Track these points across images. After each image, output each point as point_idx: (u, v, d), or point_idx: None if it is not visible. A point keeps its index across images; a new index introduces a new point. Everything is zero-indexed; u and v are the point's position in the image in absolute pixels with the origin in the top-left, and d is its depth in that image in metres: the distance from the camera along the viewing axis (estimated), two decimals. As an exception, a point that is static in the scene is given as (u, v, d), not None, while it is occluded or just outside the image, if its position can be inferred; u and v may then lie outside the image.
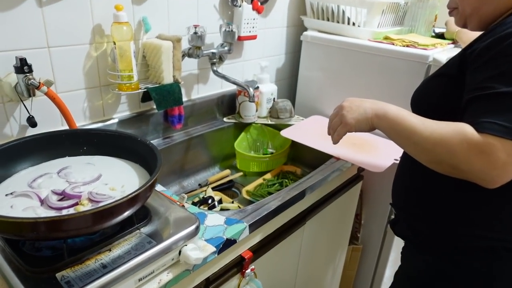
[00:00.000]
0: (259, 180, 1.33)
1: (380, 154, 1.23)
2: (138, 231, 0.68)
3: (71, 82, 0.97)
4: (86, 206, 0.64)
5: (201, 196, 1.19)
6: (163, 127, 1.24)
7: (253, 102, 1.17)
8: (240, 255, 0.88)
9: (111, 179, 0.72)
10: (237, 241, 0.82)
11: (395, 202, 0.95)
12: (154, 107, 1.11)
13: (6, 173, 0.71)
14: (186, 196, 0.84)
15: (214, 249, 0.75)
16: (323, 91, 1.52)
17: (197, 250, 0.70)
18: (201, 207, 1.12)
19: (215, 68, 1.24)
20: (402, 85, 1.28)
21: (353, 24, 1.41)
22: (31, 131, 0.93)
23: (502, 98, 0.60)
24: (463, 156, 0.62)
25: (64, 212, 0.62)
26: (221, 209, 1.10)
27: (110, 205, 0.57)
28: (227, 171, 1.39)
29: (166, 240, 0.66)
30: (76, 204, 0.64)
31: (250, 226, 0.85)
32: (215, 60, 1.23)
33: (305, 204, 1.08)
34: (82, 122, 1.03)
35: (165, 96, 1.07)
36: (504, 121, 0.59)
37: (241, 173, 1.38)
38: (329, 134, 0.89)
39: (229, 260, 0.85)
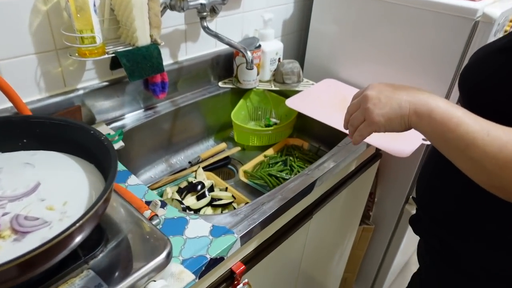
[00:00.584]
0: (260, 157, 1.14)
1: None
2: (85, 265, 0.51)
3: (14, 46, 0.75)
4: (6, 240, 0.46)
5: (190, 179, 1.02)
6: (143, 97, 1.03)
7: (251, 69, 0.94)
8: (230, 269, 0.72)
9: (51, 191, 0.54)
10: (225, 258, 0.65)
11: (420, 203, 0.76)
12: (130, 73, 0.89)
13: None
14: (159, 202, 0.66)
15: (192, 277, 0.59)
16: (338, 49, 1.27)
17: (167, 288, 0.53)
18: (188, 195, 0.95)
19: (205, 24, 0.99)
20: (437, 49, 1.03)
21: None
22: (-35, 112, 0.74)
23: None
24: None
25: (-25, 250, 0.45)
26: (212, 199, 0.93)
27: (31, 255, 0.39)
28: (223, 145, 1.20)
29: (123, 282, 0.49)
30: (-7, 236, 0.46)
31: (242, 237, 0.67)
32: (205, 13, 0.98)
33: (313, 197, 0.89)
34: (36, 96, 0.83)
35: (140, 63, 0.85)
36: None
37: (238, 148, 1.18)
38: (345, 128, 0.67)
39: (215, 278, 0.69)
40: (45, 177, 0.56)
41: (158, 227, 0.63)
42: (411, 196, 0.80)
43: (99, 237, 0.54)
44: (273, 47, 1.20)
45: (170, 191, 0.96)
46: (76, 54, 0.81)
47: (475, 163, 0.47)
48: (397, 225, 1.35)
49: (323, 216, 1.00)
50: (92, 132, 0.59)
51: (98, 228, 0.55)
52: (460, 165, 0.50)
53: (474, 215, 0.63)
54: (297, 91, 1.20)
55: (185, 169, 1.08)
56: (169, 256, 0.55)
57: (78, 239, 0.45)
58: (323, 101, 1.15)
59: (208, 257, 0.62)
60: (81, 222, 0.44)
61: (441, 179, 0.68)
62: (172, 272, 0.57)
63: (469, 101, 0.60)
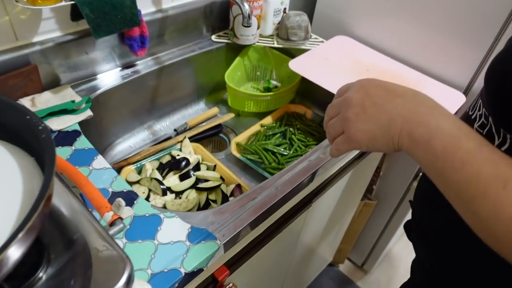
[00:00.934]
0: (256, 126, 1.00)
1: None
2: (18, 298, 0.39)
3: None
4: None
5: (174, 152, 0.89)
6: (119, 53, 0.86)
7: (248, 26, 0.76)
8: (212, 274, 0.61)
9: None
10: (205, 269, 0.54)
11: (416, 217, 0.63)
12: (99, 25, 0.72)
13: None
14: (123, 202, 0.53)
15: (161, 300, 0.48)
16: (353, 0, 1.07)
17: (125, 324, 0.42)
18: (170, 173, 0.83)
19: (193, -37, 0.80)
20: (479, 5, 0.84)
21: None
22: None
23: None
24: None
25: None
26: (197, 180, 0.80)
27: None
28: (214, 110, 1.05)
29: (66, 322, 0.38)
30: None
31: (226, 244, 0.56)
32: (193, -51, 0.78)
33: (314, 185, 0.77)
34: (-21, 52, 0.67)
35: (108, 14, 0.68)
36: None
37: (232, 114, 1.04)
38: (325, 129, 0.51)
39: (195, 284, 0.59)
40: (-33, 176, 0.43)
41: (121, 233, 0.51)
42: (409, 200, 0.70)
43: (38, 259, 0.42)
44: (277, -6, 1.01)
45: (150, 167, 0.83)
46: (25, 0, 0.63)
47: (480, 221, 0.34)
48: (401, 202, 1.25)
49: (323, 202, 0.88)
50: (28, 117, 0.44)
51: (37, 243, 0.43)
52: (461, 215, 0.37)
53: (465, 243, 0.51)
54: (304, 50, 1.03)
55: (170, 137, 0.95)
56: (129, 282, 0.43)
57: (4, 271, 0.33)
58: (332, 64, 0.98)
59: (183, 271, 0.51)
60: (3, 253, 0.31)
61: (435, 197, 0.55)
62: (135, 295, 0.47)
63: (494, 98, 0.44)
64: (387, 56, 1.03)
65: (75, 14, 0.70)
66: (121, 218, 0.51)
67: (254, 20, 0.96)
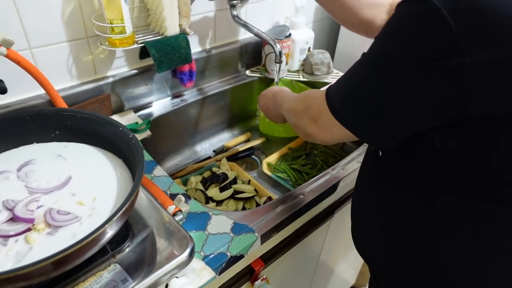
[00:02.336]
0: (284, 149, 1.13)
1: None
2: (112, 259, 0.53)
3: (48, 34, 0.77)
4: (41, 233, 0.48)
5: (213, 169, 1.03)
6: (171, 84, 1.03)
7: (280, 63, 0.92)
8: (249, 265, 0.73)
9: (81, 185, 0.56)
10: (245, 256, 0.66)
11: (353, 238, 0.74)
12: (159, 62, 0.89)
13: (-47, 170, 0.56)
14: (183, 198, 0.67)
15: (213, 274, 0.60)
16: (372, 40, 1.22)
17: (189, 285, 0.54)
18: (212, 186, 0.96)
19: (235, 13, 0.97)
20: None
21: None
22: (3, 98, 0.76)
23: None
24: None
25: (11, 241, 0.47)
26: (234, 191, 0.93)
27: (67, 252, 0.41)
28: (247, 135, 1.20)
29: (148, 277, 0.51)
30: (28, 230, 0.48)
31: (262, 236, 0.68)
32: (235, 1, 0.96)
33: (336, 196, 0.89)
34: (68, 83, 0.85)
35: (168, 53, 0.85)
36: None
37: (263, 138, 1.18)
38: None
39: (234, 272, 0.71)
40: (76, 171, 0.58)
41: (181, 222, 0.64)
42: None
43: (126, 232, 0.56)
44: (303, 36, 1.17)
45: (194, 181, 0.97)
46: (106, 43, 0.81)
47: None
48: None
49: (345, 213, 0.99)
50: (120, 128, 0.59)
51: (126, 223, 0.57)
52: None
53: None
54: (326, 83, 1.17)
55: (209, 157, 1.10)
56: (191, 254, 0.56)
57: (108, 236, 0.47)
58: (352, 95, 1.12)
59: (229, 254, 0.63)
60: (111, 221, 0.45)
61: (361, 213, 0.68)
62: (193, 268, 0.59)
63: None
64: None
65: (143, 54, 0.88)
66: (180, 211, 0.65)
67: (283, 58, 1.13)
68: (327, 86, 0.56)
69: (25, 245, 0.47)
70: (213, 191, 0.94)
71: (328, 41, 1.43)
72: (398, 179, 0.56)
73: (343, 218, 1.00)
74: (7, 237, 0.47)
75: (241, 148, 1.13)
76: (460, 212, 0.50)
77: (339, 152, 1.14)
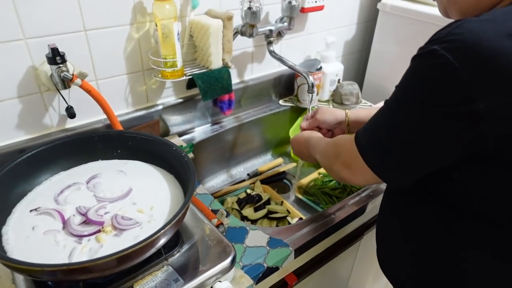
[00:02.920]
0: (314, 174, 1.19)
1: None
2: (165, 262, 0.60)
3: (111, 68, 0.89)
4: (108, 234, 0.57)
5: (248, 190, 1.10)
6: (211, 112, 1.13)
7: (312, 93, 1.00)
8: (283, 278, 0.78)
9: (140, 197, 0.64)
10: (280, 268, 0.72)
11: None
12: (202, 91, 1.00)
13: (35, 181, 0.66)
14: (225, 212, 0.75)
15: (251, 282, 0.66)
16: (399, 70, 1.27)
17: (231, 289, 0.61)
18: (247, 206, 1.03)
19: (271, 49, 1.08)
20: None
21: (447, -9, 1.13)
22: (70, 122, 0.88)
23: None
24: None
25: (84, 240, 0.56)
26: (268, 211, 1.00)
27: (133, 249, 0.49)
28: (279, 160, 1.27)
29: (196, 278, 0.58)
30: (98, 231, 0.57)
31: (296, 251, 0.74)
32: (272, 38, 1.06)
33: (366, 217, 0.93)
34: (124, 110, 0.96)
35: (212, 84, 0.95)
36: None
37: (294, 164, 1.25)
38: None
39: (269, 285, 0.76)
40: (135, 184, 0.67)
41: (223, 234, 0.71)
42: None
43: (177, 239, 0.63)
44: (333, 68, 1.26)
45: (230, 201, 1.05)
46: (160, 76, 0.93)
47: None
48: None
49: (373, 237, 1.02)
50: (174, 148, 0.69)
51: (176, 231, 0.64)
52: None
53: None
54: (355, 112, 1.24)
55: (243, 180, 1.17)
56: (233, 262, 0.62)
57: (164, 239, 0.55)
58: (380, 124, 1.17)
59: (265, 265, 0.69)
60: (168, 226, 0.53)
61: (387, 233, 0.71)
62: (234, 276, 0.65)
63: None
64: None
65: (190, 84, 0.99)
66: (222, 224, 0.72)
67: (315, 88, 1.21)
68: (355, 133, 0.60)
69: (96, 243, 0.55)
70: (248, 211, 1.00)
71: (357, 73, 1.51)
72: (418, 205, 0.60)
73: (372, 242, 1.03)
74: (82, 236, 0.56)
75: (274, 172, 1.20)
76: (480, 238, 0.53)
77: (368, 178, 1.18)
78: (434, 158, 0.50)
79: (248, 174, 1.20)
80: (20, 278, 0.57)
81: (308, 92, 1.01)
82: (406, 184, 0.56)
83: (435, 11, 1.13)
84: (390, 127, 0.52)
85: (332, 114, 0.92)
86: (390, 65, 1.31)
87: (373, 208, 0.89)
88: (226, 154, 1.20)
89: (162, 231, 0.52)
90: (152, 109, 0.99)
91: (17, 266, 0.46)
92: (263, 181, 1.16)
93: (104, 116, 0.91)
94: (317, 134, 0.84)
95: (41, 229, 0.57)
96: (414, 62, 0.49)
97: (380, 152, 0.53)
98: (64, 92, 0.82)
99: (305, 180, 1.16)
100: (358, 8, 1.35)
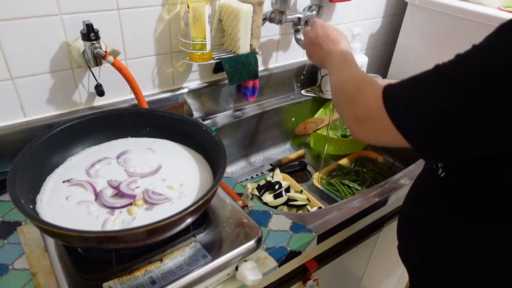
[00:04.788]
0: (334, 165, 1.19)
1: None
2: (193, 238, 0.61)
3: (141, 48, 0.89)
4: (140, 208, 0.57)
5: (268, 178, 1.10)
6: (234, 98, 1.13)
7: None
8: (303, 264, 0.78)
9: (170, 174, 0.65)
10: (302, 253, 0.72)
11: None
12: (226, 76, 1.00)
13: (67, 153, 0.67)
14: (250, 195, 0.75)
15: (275, 264, 0.66)
16: (424, 66, 1.25)
17: (256, 269, 0.61)
18: (266, 193, 1.03)
19: (298, 37, 1.07)
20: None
21: (480, -15, 1.11)
22: (98, 101, 0.89)
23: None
24: None
25: (117, 212, 0.57)
26: (288, 199, 1.00)
27: (164, 222, 0.49)
28: (302, 151, 1.27)
29: (223, 256, 0.59)
30: (130, 204, 0.58)
31: (319, 237, 0.74)
32: (300, 26, 1.05)
33: (386, 209, 0.93)
34: (150, 91, 0.97)
35: (239, 69, 0.95)
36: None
37: (314, 154, 1.25)
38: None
39: (290, 269, 0.77)
40: (164, 162, 0.68)
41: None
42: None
43: (204, 217, 0.64)
44: (358, 60, 1.22)
45: (250, 187, 1.05)
46: (188, 58, 0.93)
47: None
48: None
49: (392, 230, 1.02)
50: (204, 128, 0.69)
51: (204, 210, 0.65)
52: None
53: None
54: (377, 105, 1.23)
55: (262, 166, 1.18)
56: (259, 242, 0.63)
57: (194, 216, 0.55)
58: (404, 118, 1.16)
59: (289, 249, 0.69)
60: (200, 203, 0.53)
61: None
62: (258, 256, 0.66)
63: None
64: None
65: (216, 69, 0.99)
66: (247, 206, 0.73)
67: (338, 79, 1.20)
68: (383, 86, 0.52)
69: (128, 216, 0.56)
70: (268, 198, 1.01)
71: (380, 66, 1.50)
72: (456, 203, 0.57)
73: (389, 234, 1.03)
74: (114, 208, 0.57)
75: (293, 161, 1.20)
76: None
77: (388, 171, 1.18)
78: (482, 139, 0.45)
79: (270, 164, 1.20)
80: (52, 246, 0.59)
81: (335, 81, 1.00)
82: (440, 161, 0.52)
83: (468, 5, 1.11)
84: (442, 97, 0.45)
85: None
86: (416, 61, 1.29)
87: (396, 200, 0.89)
88: (246, 141, 1.20)
89: (193, 207, 0.53)
90: (177, 92, 1.00)
91: (56, 231, 0.47)
92: (282, 170, 1.16)
93: (130, 97, 0.92)
94: (349, 55, 0.72)
95: (74, 199, 0.58)
96: (500, 32, 0.43)
97: (419, 121, 0.47)
98: (95, 70, 0.83)
99: (324, 171, 1.16)
100: (385, 0, 1.34)
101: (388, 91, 0.51)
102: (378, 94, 0.51)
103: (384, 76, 1.40)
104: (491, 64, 0.42)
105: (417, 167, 0.96)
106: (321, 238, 0.74)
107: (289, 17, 1.02)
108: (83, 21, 0.74)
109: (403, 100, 0.49)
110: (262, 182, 1.09)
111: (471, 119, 0.43)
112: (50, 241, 0.59)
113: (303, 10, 1.10)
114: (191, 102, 1.04)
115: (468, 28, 1.11)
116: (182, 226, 0.54)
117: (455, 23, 1.14)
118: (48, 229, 0.47)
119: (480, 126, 0.43)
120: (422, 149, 0.49)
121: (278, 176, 1.12)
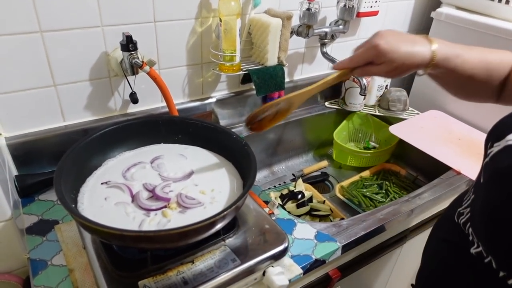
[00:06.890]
0: (355, 177, 1.20)
1: None
2: (223, 242, 0.63)
3: (174, 58, 0.93)
4: (174, 211, 0.60)
5: (290, 187, 1.12)
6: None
7: (365, 95, 1.01)
8: (327, 273, 0.79)
9: (202, 179, 0.68)
10: (327, 261, 0.73)
11: None
12: (253, 87, 1.02)
13: (104, 157, 0.71)
14: (277, 203, 0.77)
15: (300, 271, 0.68)
16: None
17: (283, 275, 0.63)
18: (289, 202, 1.05)
19: (324, 50, 1.10)
20: None
21: (506, 1, 1.11)
22: (131, 108, 0.94)
23: None
24: None
25: (152, 214, 0.59)
26: (311, 209, 1.01)
27: (199, 225, 0.52)
28: (325, 163, 1.28)
29: (251, 260, 0.60)
30: (165, 207, 0.61)
31: (343, 246, 0.75)
32: (326, 40, 1.08)
33: (408, 223, 0.93)
34: (180, 100, 1.00)
35: (267, 80, 0.98)
36: None
37: (336, 166, 1.26)
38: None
39: (314, 277, 0.78)
40: (196, 167, 0.70)
41: (274, 223, 0.73)
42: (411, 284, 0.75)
43: (234, 222, 0.66)
44: (382, 74, 1.26)
45: (273, 196, 1.07)
46: (217, 69, 0.96)
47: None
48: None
49: (415, 244, 1.02)
50: (234, 136, 0.72)
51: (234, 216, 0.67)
52: None
53: None
54: (401, 119, 1.23)
55: (284, 175, 1.19)
56: (286, 249, 0.65)
57: (225, 221, 0.58)
58: (427, 132, 1.16)
59: (313, 257, 0.71)
60: (231, 208, 0.55)
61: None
62: (284, 263, 0.67)
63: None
64: (477, 129, 1.19)
65: (244, 79, 1.03)
66: (273, 213, 0.74)
67: (366, 91, 1.22)
68: None
69: (163, 218, 0.59)
70: (291, 207, 1.02)
71: (403, 80, 1.50)
72: None
73: (412, 248, 1.03)
74: (150, 210, 0.60)
75: (317, 172, 1.21)
76: None
77: (411, 185, 1.17)
78: None
79: (293, 174, 1.22)
80: (90, 244, 0.62)
81: (361, 94, 1.02)
82: None
83: (494, 21, 1.11)
84: None
85: (408, 40, 0.58)
86: (440, 75, 1.30)
87: (419, 213, 0.89)
88: (269, 151, 1.22)
89: (225, 212, 0.55)
90: (206, 101, 1.03)
91: (100, 229, 0.50)
92: (304, 180, 1.18)
93: (161, 105, 0.96)
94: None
95: (112, 200, 0.61)
96: None
97: None
98: (130, 79, 0.88)
99: (346, 183, 1.17)
100: (410, 15, 1.35)
101: None
102: None
103: (408, 90, 1.41)
104: None
105: (441, 181, 0.96)
106: (346, 248, 0.75)
107: (316, 31, 1.05)
108: (123, 33, 0.79)
109: None
110: (285, 191, 1.10)
111: None
112: (88, 240, 0.62)
113: (330, 25, 1.12)
114: (218, 111, 1.07)
115: (494, 44, 1.11)
116: (214, 230, 0.56)
117: (481, 38, 1.14)
118: (92, 227, 0.50)
119: None
120: None
121: (301, 186, 1.13)
